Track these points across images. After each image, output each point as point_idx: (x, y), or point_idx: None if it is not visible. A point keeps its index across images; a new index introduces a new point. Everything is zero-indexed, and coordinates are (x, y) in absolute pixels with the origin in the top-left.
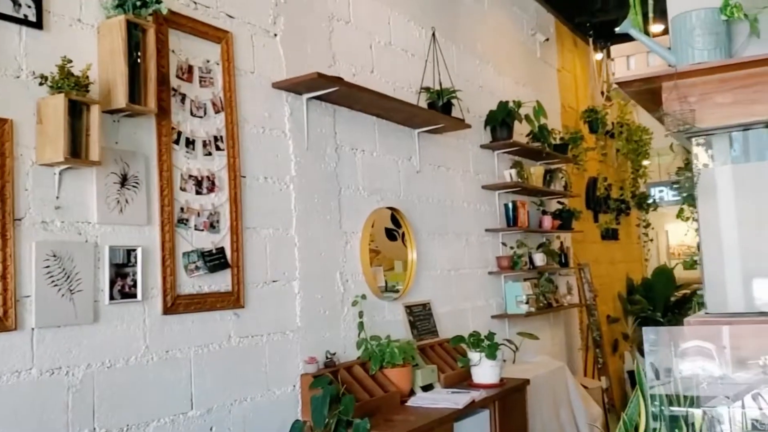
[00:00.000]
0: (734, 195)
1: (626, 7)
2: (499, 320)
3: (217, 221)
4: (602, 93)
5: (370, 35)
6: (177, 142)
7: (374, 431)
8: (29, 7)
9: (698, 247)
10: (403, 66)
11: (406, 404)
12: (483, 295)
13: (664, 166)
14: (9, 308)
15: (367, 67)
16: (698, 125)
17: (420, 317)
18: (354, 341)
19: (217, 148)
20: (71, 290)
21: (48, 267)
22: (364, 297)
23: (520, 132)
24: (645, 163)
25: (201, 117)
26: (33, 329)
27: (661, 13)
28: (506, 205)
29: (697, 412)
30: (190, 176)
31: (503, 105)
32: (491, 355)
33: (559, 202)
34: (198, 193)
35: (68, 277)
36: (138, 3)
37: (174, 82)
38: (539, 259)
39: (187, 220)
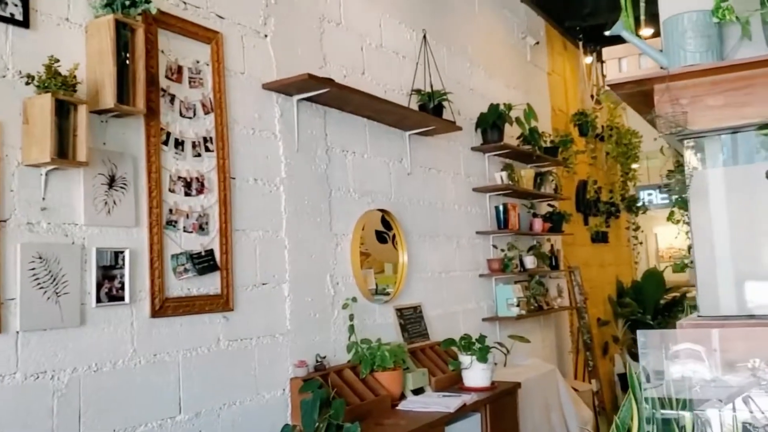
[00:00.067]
0: (726, 197)
1: (616, 11)
2: (490, 323)
3: (207, 223)
4: (592, 96)
5: (361, 37)
6: (166, 143)
7: None
8: (16, 5)
9: (689, 249)
10: (394, 68)
11: (397, 408)
12: (474, 297)
13: (653, 169)
14: None
15: (357, 69)
16: (690, 127)
17: (411, 320)
18: (344, 344)
19: (207, 150)
20: (57, 293)
21: (33, 269)
22: (354, 300)
23: (511, 135)
24: (634, 166)
25: (190, 118)
26: (18, 332)
27: (651, 17)
28: (497, 208)
29: (687, 415)
30: (179, 177)
31: (494, 107)
32: (482, 359)
33: (549, 205)
34: (187, 194)
35: (54, 279)
36: (127, 2)
37: (163, 82)
38: (530, 261)
39: (175, 221)
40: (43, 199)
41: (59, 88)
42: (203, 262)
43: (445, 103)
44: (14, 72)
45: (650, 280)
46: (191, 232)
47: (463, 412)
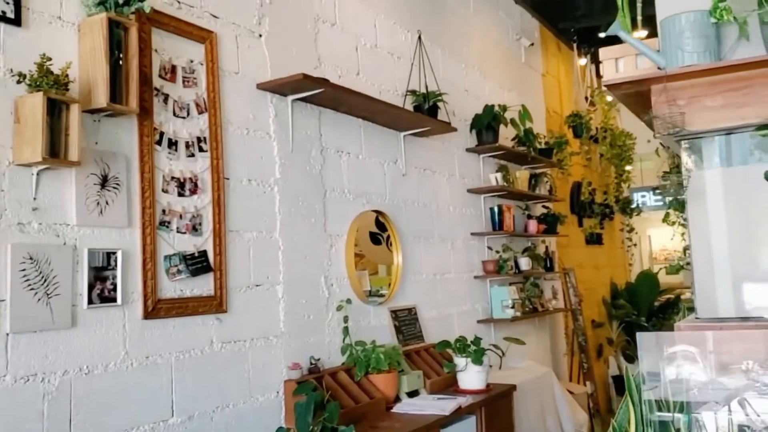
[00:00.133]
0: (724, 199)
1: (610, 12)
2: (485, 325)
3: (200, 224)
4: (586, 98)
5: (356, 37)
6: (159, 143)
7: None
8: (7, 3)
9: (684, 251)
10: (388, 69)
11: (392, 411)
12: (469, 299)
13: (647, 171)
14: None
15: (352, 70)
16: (688, 128)
17: (405, 322)
18: (339, 347)
19: (201, 150)
20: (48, 294)
21: (24, 270)
22: (349, 301)
23: (506, 136)
24: (628, 168)
25: (184, 118)
26: (8, 334)
27: (645, 19)
28: (492, 209)
29: (683, 418)
30: (173, 178)
31: (489, 109)
32: (477, 361)
33: (544, 207)
34: (180, 195)
35: (45, 280)
36: (120, 1)
37: (156, 82)
38: (525, 263)
39: (169, 222)
40: (35, 199)
41: (51, 87)
42: (196, 264)
43: (440, 104)
44: (5, 70)
45: (644, 282)
46: (184, 232)
47: (458, 415)
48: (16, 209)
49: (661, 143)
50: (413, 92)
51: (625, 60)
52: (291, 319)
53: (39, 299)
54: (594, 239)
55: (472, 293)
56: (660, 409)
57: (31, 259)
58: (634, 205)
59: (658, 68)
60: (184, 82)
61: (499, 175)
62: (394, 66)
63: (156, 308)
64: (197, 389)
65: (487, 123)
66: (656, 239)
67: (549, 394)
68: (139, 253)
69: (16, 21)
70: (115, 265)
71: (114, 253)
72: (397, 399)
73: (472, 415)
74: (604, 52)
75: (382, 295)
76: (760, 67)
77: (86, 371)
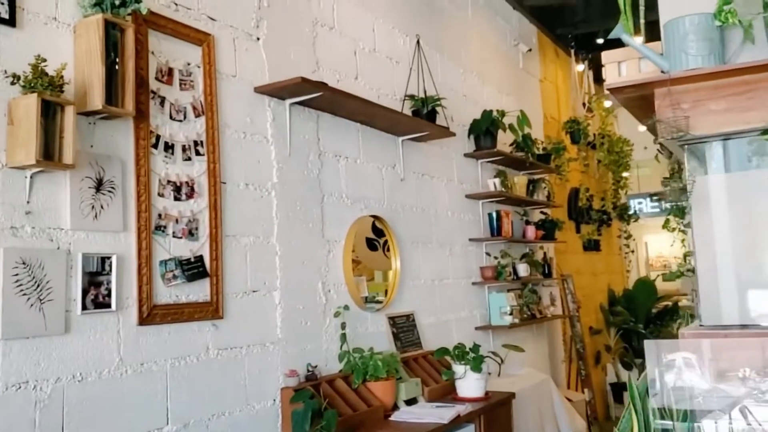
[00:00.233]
0: (728, 204)
1: (607, 19)
2: (483, 332)
3: (196, 228)
4: (584, 104)
5: (355, 42)
6: (155, 146)
7: None
8: (2, 4)
9: (685, 258)
10: (387, 73)
11: (390, 419)
12: (467, 306)
13: (643, 178)
14: None
15: (351, 74)
16: (692, 132)
17: (403, 329)
18: (336, 354)
19: (197, 153)
20: (41, 300)
21: (17, 275)
22: (346, 308)
23: (503, 142)
24: (625, 174)
25: (181, 121)
26: None
27: (644, 24)
28: (490, 215)
29: (685, 426)
30: (169, 182)
31: (487, 114)
32: (476, 368)
33: (542, 212)
34: (176, 199)
35: (38, 285)
36: (116, 2)
37: (153, 84)
38: (523, 269)
39: (164, 227)
40: (28, 202)
41: (46, 89)
42: (193, 269)
43: (438, 109)
44: None
45: (642, 289)
46: (180, 237)
47: (457, 423)
48: (8, 213)
49: (659, 149)
50: (412, 97)
51: (627, 64)
52: (288, 326)
53: (32, 305)
54: (592, 246)
55: (470, 299)
56: (662, 417)
57: (23, 263)
58: (631, 212)
59: (662, 72)
60: (180, 84)
61: (497, 181)
62: (392, 70)
63: (151, 314)
64: (192, 397)
65: (485, 128)
66: (653, 246)
67: (548, 402)
68: (135, 258)
69: (11, 22)
70: (110, 270)
71: (109, 257)
72: (395, 407)
73: (470, 423)
74: (606, 56)
75: (379, 302)
76: (765, 71)
77: (79, 378)
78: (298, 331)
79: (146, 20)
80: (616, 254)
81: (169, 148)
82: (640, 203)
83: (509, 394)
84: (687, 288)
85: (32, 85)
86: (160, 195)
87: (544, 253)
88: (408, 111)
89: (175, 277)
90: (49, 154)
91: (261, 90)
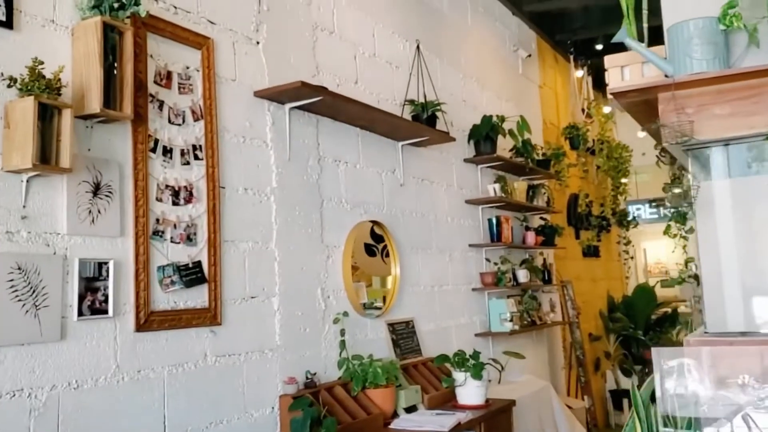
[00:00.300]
0: (733, 210)
1: (606, 25)
2: (483, 338)
3: (195, 234)
4: (583, 110)
5: (355, 46)
6: (154, 150)
7: None
8: None
9: (686, 264)
10: (387, 78)
11: (390, 427)
12: (467, 312)
13: (642, 184)
14: None
15: (351, 78)
16: (697, 137)
17: (403, 335)
18: (335, 360)
19: (196, 158)
20: (37, 306)
21: (12, 281)
22: (346, 314)
23: (503, 147)
24: (624, 180)
25: (179, 125)
26: None
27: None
28: (490, 220)
29: None
30: (167, 186)
31: (487, 119)
32: (477, 375)
33: (541, 218)
34: (175, 203)
35: (34, 291)
36: (115, 5)
37: (152, 88)
38: (523, 275)
39: (162, 232)
40: (24, 206)
41: (43, 91)
42: (191, 274)
43: (437, 114)
44: None
45: (641, 295)
46: (179, 242)
47: (457, 431)
48: (4, 217)
49: (658, 156)
50: (411, 101)
51: (630, 68)
52: (287, 332)
53: (27, 311)
54: (591, 252)
55: (470, 306)
56: (666, 425)
57: (19, 269)
58: (630, 218)
59: (666, 76)
60: (179, 88)
61: (497, 186)
62: (392, 75)
63: (148, 320)
64: (190, 404)
65: (485, 133)
66: (651, 252)
67: (548, 409)
68: (132, 264)
69: (8, 24)
70: (107, 276)
71: (106, 263)
72: (395, 414)
73: (471, 431)
74: (609, 60)
75: (378, 308)
76: None
77: (75, 386)
78: (297, 337)
79: (145, 23)
80: (616, 260)
81: (167, 152)
82: (638, 209)
83: (510, 402)
84: (686, 294)
85: (29, 87)
86: (158, 200)
87: (544, 259)
88: (408, 116)
89: (172, 282)
90: (46, 157)
91: (260, 94)
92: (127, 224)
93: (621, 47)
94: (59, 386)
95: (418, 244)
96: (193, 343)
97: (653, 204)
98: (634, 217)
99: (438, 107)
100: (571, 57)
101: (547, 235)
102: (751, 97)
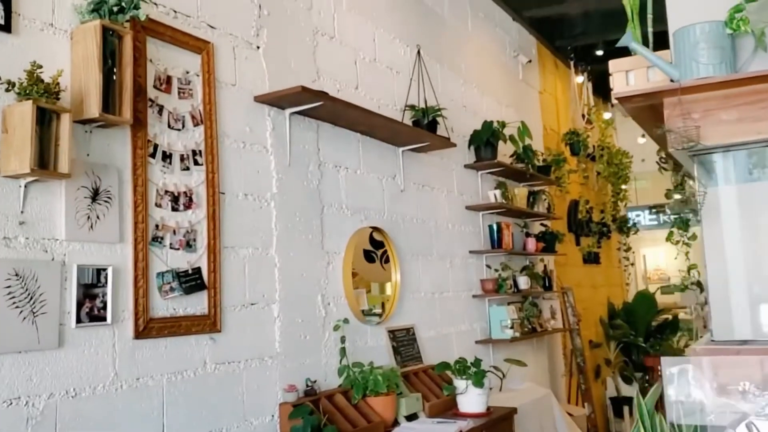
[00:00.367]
0: (740, 216)
1: (607, 31)
2: (484, 345)
3: (194, 240)
4: (583, 116)
5: (355, 51)
6: (153, 155)
7: None
8: None
9: (689, 270)
10: (387, 83)
11: None
12: (467, 319)
13: (641, 191)
14: None
15: (351, 84)
16: (703, 142)
17: (404, 342)
18: (335, 368)
19: (196, 163)
20: (34, 312)
21: (9, 287)
22: (346, 321)
23: (503, 153)
24: (624, 186)
25: (179, 130)
26: None
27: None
28: (491, 227)
29: None
30: (166, 192)
31: (488, 125)
32: (478, 383)
33: (542, 225)
34: (174, 209)
35: (31, 298)
36: (115, 8)
37: (151, 92)
38: (523, 282)
39: (162, 238)
40: (22, 212)
41: (41, 96)
42: (190, 281)
43: (438, 120)
44: None
45: (642, 302)
46: (178, 249)
47: None
48: (2, 223)
49: (658, 162)
50: (412, 107)
51: (635, 73)
52: (287, 339)
53: (24, 318)
54: (591, 258)
55: (471, 313)
56: None
57: (16, 275)
58: (630, 224)
59: (671, 81)
60: (179, 93)
61: (497, 192)
62: (393, 80)
63: (147, 327)
64: (189, 412)
65: (486, 139)
66: (650, 259)
67: (549, 417)
68: (131, 270)
69: (6, 27)
70: (106, 283)
71: (104, 269)
72: (396, 423)
73: None
74: (613, 65)
75: (378, 315)
76: None
77: (73, 394)
78: (297, 344)
79: (145, 27)
80: (616, 267)
81: (167, 157)
82: (638, 215)
83: (511, 410)
84: (686, 301)
85: (27, 91)
86: (158, 205)
87: (545, 266)
88: (408, 121)
89: (172, 289)
90: (44, 162)
91: (261, 99)
92: (126, 230)
93: (623, 52)
94: (57, 394)
95: (419, 250)
96: (192, 350)
97: (653, 210)
98: (634, 224)
99: (438, 113)
100: (572, 63)
101: (548, 242)
102: (758, 102)
